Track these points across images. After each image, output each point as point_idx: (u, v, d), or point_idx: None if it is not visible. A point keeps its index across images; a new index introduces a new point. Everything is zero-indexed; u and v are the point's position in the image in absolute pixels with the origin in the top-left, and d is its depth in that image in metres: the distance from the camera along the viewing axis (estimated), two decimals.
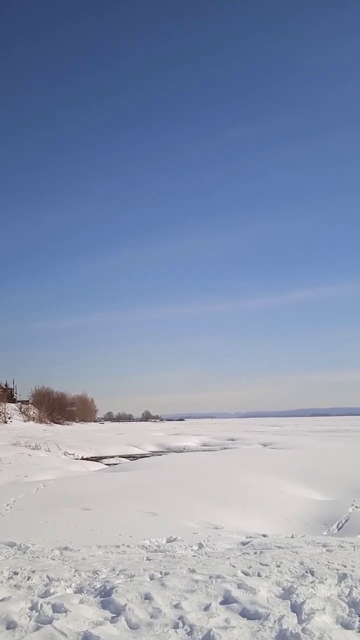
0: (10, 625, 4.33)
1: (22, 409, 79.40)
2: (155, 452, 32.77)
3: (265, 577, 5.40)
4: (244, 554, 6.58)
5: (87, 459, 26.98)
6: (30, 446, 29.31)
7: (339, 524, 10.32)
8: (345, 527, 10.04)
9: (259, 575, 5.47)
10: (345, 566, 5.76)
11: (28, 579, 5.58)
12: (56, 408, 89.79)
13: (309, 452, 24.03)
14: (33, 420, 76.92)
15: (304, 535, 8.56)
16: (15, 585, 5.36)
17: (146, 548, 7.25)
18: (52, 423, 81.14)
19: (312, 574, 5.45)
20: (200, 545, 7.30)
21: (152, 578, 5.46)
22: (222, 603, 4.75)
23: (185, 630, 4.19)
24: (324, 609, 4.53)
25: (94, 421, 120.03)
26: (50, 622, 4.34)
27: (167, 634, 4.12)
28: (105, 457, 27.94)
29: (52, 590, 5.11)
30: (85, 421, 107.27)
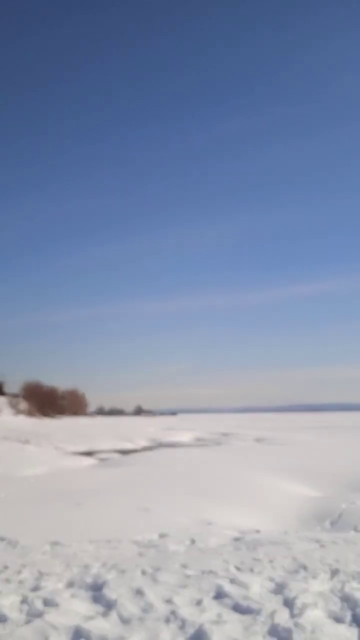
0: (1, 619, 4.30)
1: (12, 402, 79.20)
2: (148, 447, 32.77)
3: (258, 572, 5.39)
4: (236, 549, 6.57)
5: (78, 453, 26.92)
6: (20, 440, 29.23)
7: (332, 519, 10.33)
8: (338, 523, 10.04)
9: (251, 570, 5.46)
10: (338, 561, 5.76)
11: (19, 573, 5.54)
12: (47, 402, 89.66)
13: (303, 448, 24.12)
14: (24, 414, 76.79)
15: (297, 531, 8.57)
16: (5, 580, 5.32)
17: (138, 543, 7.22)
18: (43, 417, 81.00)
19: (305, 569, 5.44)
20: (193, 541, 7.29)
21: (144, 573, 5.44)
22: (214, 598, 4.73)
23: (177, 624, 4.16)
24: (316, 604, 4.52)
25: (86, 415, 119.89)
26: (41, 615, 4.31)
27: (158, 629, 4.10)
28: (96, 452, 27.90)
29: (43, 585, 5.08)
30: (76, 415, 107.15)
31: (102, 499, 10.63)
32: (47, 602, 4.59)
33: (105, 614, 4.39)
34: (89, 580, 5.23)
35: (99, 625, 4.16)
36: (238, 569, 5.54)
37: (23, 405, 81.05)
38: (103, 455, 25.95)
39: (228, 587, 4.91)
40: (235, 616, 4.34)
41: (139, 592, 4.81)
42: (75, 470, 17.49)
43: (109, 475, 14.47)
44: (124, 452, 27.46)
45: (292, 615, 4.29)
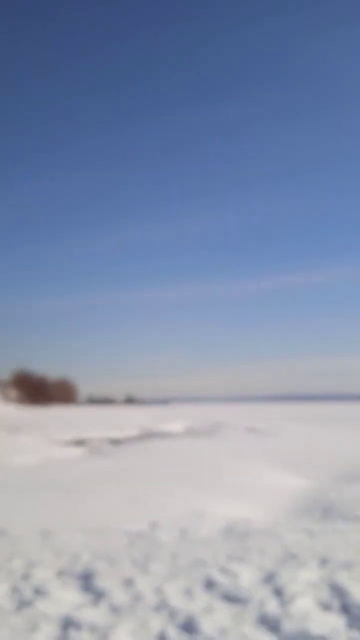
0: None
1: (2, 391, 79.09)
2: (138, 436, 32.84)
3: (248, 561, 5.42)
4: (227, 539, 6.60)
5: (68, 442, 26.94)
6: (10, 429, 29.20)
7: (322, 509, 10.40)
8: (328, 513, 10.11)
9: (241, 560, 5.49)
10: (327, 551, 5.81)
11: (9, 562, 5.54)
12: (37, 391, 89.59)
13: (294, 438, 24.26)
14: (14, 402, 76.74)
15: (287, 521, 8.61)
16: None
17: (128, 533, 7.23)
18: (33, 406, 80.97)
19: (295, 559, 5.48)
20: (183, 531, 7.31)
21: (134, 563, 5.45)
22: (204, 587, 4.75)
23: (167, 613, 4.18)
24: (305, 593, 4.55)
25: (76, 404, 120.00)
26: (31, 604, 4.32)
27: (148, 617, 4.11)
28: (87, 441, 27.92)
29: (33, 573, 5.09)
30: (66, 404, 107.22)
31: (93, 489, 10.64)
32: (37, 591, 4.60)
33: (95, 603, 4.41)
34: (79, 569, 5.24)
35: (89, 613, 4.17)
36: (228, 558, 5.57)
37: (13, 394, 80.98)
38: (93, 445, 25.98)
39: (218, 577, 4.94)
40: (225, 605, 4.36)
41: (129, 582, 4.83)
42: (65, 460, 17.50)
43: (99, 465, 14.49)
44: (115, 441, 27.50)
45: (282, 604, 4.32)
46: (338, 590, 4.63)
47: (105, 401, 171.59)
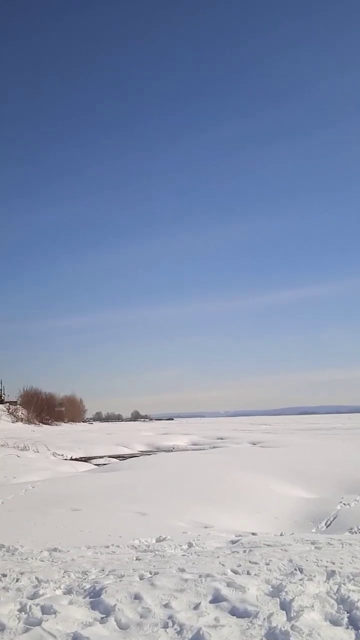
0: None
1: (10, 410, 79.03)
2: (145, 451, 32.73)
3: (255, 575, 5.42)
4: (233, 552, 6.60)
5: (76, 459, 26.88)
6: (18, 447, 29.18)
7: (327, 521, 10.38)
8: (333, 525, 10.10)
9: (248, 573, 5.49)
10: (333, 563, 5.80)
11: (17, 580, 5.55)
12: (45, 409, 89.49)
13: (297, 450, 24.15)
14: (21, 421, 76.62)
15: (292, 533, 8.60)
16: (3, 588, 5.33)
17: (136, 548, 7.25)
18: (40, 424, 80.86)
19: (301, 572, 5.48)
20: (190, 545, 7.31)
21: (141, 578, 5.46)
22: (211, 602, 4.76)
23: (175, 629, 4.19)
24: (312, 606, 4.55)
25: (83, 421, 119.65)
26: (39, 623, 4.32)
27: (156, 634, 4.12)
28: (94, 458, 27.85)
29: (41, 592, 5.09)
30: (74, 422, 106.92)
31: (100, 504, 10.64)
32: (45, 610, 4.61)
33: (103, 621, 4.42)
34: (87, 586, 5.25)
35: (97, 631, 4.18)
36: (235, 572, 5.57)
37: (21, 412, 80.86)
38: (101, 461, 25.92)
39: (225, 591, 4.94)
40: (233, 620, 4.37)
41: (137, 597, 4.84)
42: (72, 476, 17.48)
43: (106, 480, 14.47)
44: (121, 457, 27.43)
45: (289, 618, 4.32)
46: (345, 604, 4.62)
47: (112, 418, 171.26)
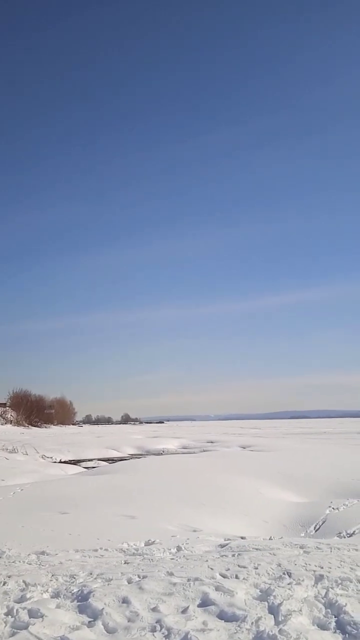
0: None
1: (0, 412, 78.64)
2: (135, 454, 32.68)
3: (243, 579, 5.42)
4: (222, 556, 6.59)
5: (65, 462, 26.79)
6: (7, 449, 29.03)
7: (316, 525, 10.40)
8: (322, 529, 10.11)
9: (236, 577, 5.49)
10: (322, 567, 5.80)
11: (4, 584, 5.51)
12: (34, 411, 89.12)
13: (287, 455, 24.20)
14: (10, 423, 76.26)
15: (281, 537, 8.60)
16: None
17: (124, 551, 7.22)
18: (30, 426, 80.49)
19: (290, 576, 5.48)
20: (179, 548, 7.29)
21: (130, 582, 5.44)
22: (199, 605, 4.75)
23: (163, 633, 4.18)
24: (300, 610, 4.56)
25: (73, 424, 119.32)
26: (26, 627, 4.29)
27: (144, 638, 4.11)
28: (83, 460, 27.77)
29: (28, 596, 5.06)
30: (63, 424, 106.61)
31: (89, 508, 10.59)
32: (33, 613, 4.58)
33: (90, 625, 4.39)
34: (75, 589, 5.22)
35: (84, 636, 4.16)
36: (223, 576, 5.56)
37: (10, 414, 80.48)
38: (90, 464, 25.84)
39: (213, 595, 4.93)
40: (221, 624, 4.36)
41: (125, 601, 4.81)
42: (61, 479, 17.41)
43: (95, 484, 14.41)
44: (111, 461, 27.36)
45: (277, 622, 4.32)
46: (333, 608, 4.63)
47: (102, 420, 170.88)
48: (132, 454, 32.92)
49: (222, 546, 7.44)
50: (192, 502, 11.59)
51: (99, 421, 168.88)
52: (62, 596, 5.09)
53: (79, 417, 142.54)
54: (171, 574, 5.63)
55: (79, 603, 4.87)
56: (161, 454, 32.21)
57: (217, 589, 5.09)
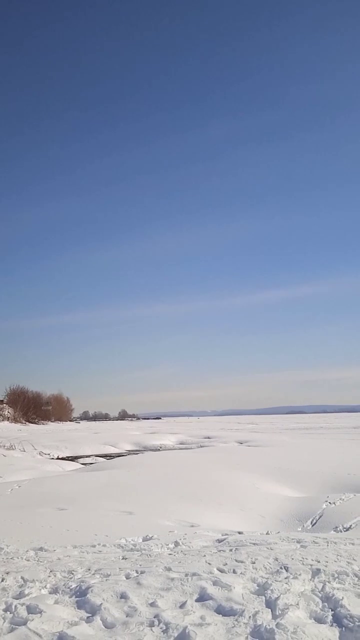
0: None
1: None
2: (132, 451, 32.73)
3: (241, 573, 5.44)
4: (219, 551, 6.62)
5: (62, 458, 26.81)
6: (4, 446, 29.04)
7: (313, 520, 10.44)
8: (319, 523, 10.16)
9: (234, 572, 5.51)
10: (318, 561, 5.84)
11: (2, 580, 5.53)
12: (31, 407, 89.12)
13: (284, 450, 24.27)
14: (8, 420, 76.23)
15: (278, 532, 8.64)
16: None
17: (122, 547, 7.24)
18: (27, 422, 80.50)
19: (287, 570, 5.51)
20: (176, 544, 7.32)
21: (128, 577, 5.46)
22: (197, 600, 4.77)
23: (161, 628, 4.20)
24: (297, 604, 4.58)
25: (70, 420, 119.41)
26: (24, 623, 4.31)
27: (142, 633, 4.13)
28: (81, 457, 27.80)
29: (26, 592, 5.08)
30: (61, 420, 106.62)
31: (86, 504, 10.61)
32: (31, 609, 4.59)
33: (89, 620, 4.41)
34: (73, 585, 5.24)
35: (83, 631, 4.17)
36: (221, 570, 5.59)
37: (7, 411, 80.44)
38: (87, 460, 25.86)
39: (211, 589, 4.96)
40: (219, 618, 4.39)
41: (123, 596, 4.84)
42: (59, 475, 17.42)
43: (92, 480, 14.43)
44: (108, 457, 27.39)
45: (275, 616, 4.34)
46: (330, 602, 4.66)
47: (100, 417, 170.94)
48: (129, 450, 32.96)
49: (219, 541, 7.47)
50: (190, 497, 11.62)
51: (96, 417, 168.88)
52: (60, 592, 5.10)
53: (76, 413, 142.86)
54: (169, 569, 5.65)
55: (77, 599, 4.89)
56: (158, 450, 32.27)
57: (214, 583, 5.11)
